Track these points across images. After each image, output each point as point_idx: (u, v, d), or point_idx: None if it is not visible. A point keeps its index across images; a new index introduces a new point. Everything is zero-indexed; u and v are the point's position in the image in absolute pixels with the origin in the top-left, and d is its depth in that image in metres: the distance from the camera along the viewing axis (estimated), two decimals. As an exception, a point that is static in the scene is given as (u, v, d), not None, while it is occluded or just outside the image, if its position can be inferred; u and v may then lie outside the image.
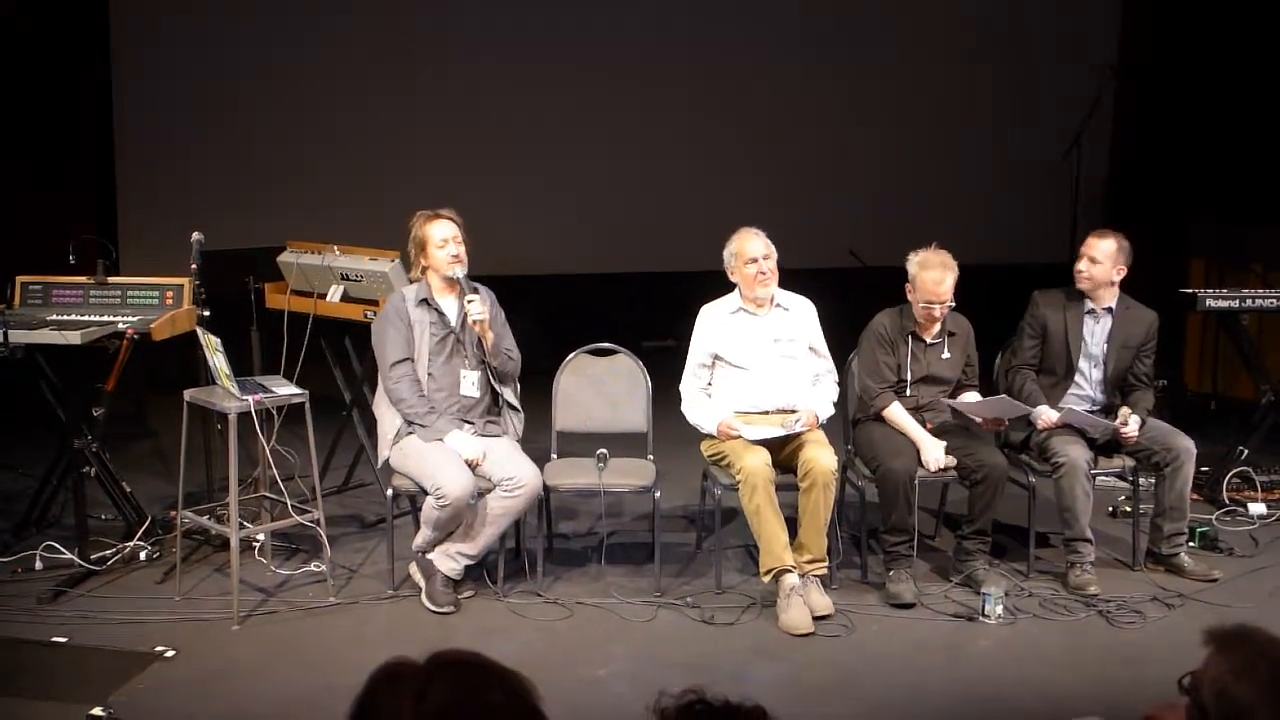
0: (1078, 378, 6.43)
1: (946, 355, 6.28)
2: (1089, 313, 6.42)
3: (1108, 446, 6.32)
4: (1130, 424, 6.16)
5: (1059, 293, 6.50)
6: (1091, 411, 6.36)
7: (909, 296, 6.23)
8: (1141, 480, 6.45)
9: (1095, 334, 6.43)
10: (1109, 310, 6.41)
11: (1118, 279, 6.38)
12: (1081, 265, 6.39)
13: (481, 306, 5.98)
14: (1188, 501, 6.31)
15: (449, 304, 6.10)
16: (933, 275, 6.10)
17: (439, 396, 6.03)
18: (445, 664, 2.06)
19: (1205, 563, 6.33)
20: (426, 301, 6.07)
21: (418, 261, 6.10)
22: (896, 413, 6.19)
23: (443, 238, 6.03)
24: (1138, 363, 6.44)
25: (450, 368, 6.06)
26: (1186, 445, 6.22)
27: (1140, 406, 6.32)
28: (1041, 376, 6.45)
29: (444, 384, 6.04)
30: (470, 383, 6.08)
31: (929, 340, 6.27)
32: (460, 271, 6.03)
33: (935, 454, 6.04)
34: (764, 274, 6.16)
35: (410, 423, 5.96)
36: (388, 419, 6.06)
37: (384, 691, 2.04)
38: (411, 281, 6.23)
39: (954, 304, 6.16)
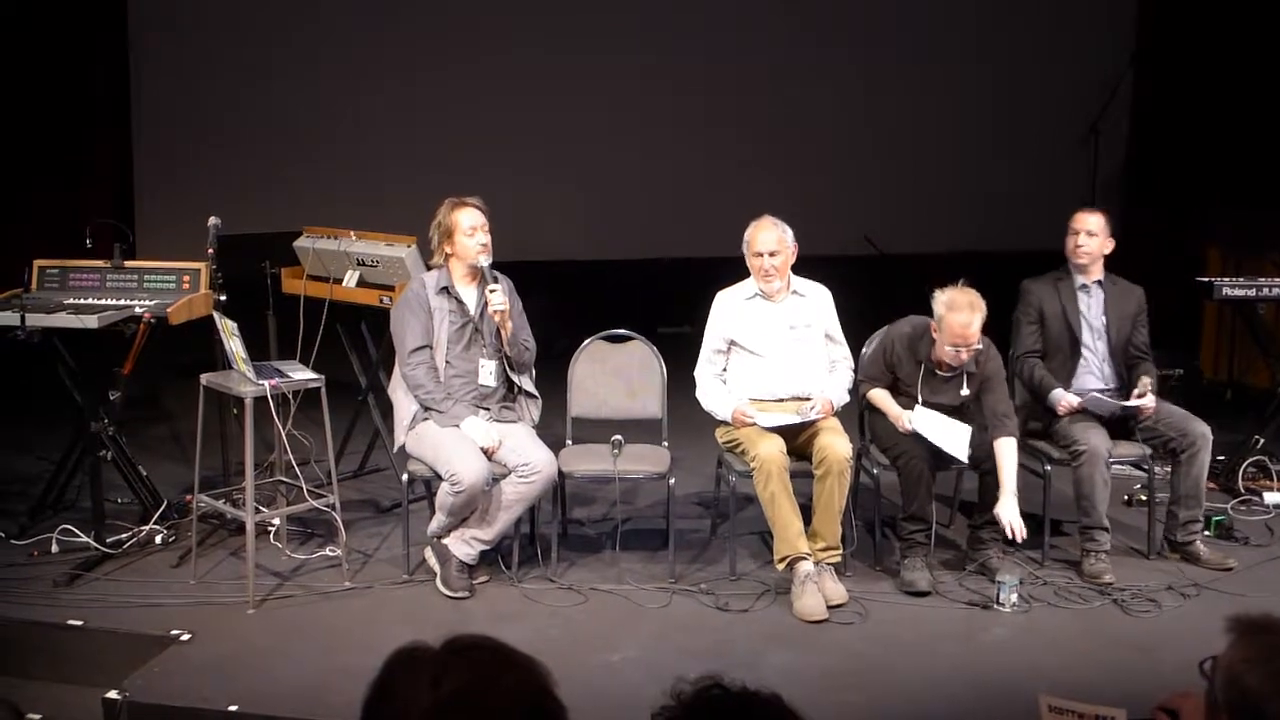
0: (1084, 352, 6.46)
1: (965, 392, 6.12)
2: (1081, 288, 6.52)
3: (1123, 432, 6.31)
4: (1148, 397, 6.16)
5: (1046, 277, 6.59)
6: (1104, 390, 6.36)
7: (934, 335, 6.07)
8: (1157, 469, 6.44)
9: (1091, 307, 6.50)
10: (1099, 284, 6.52)
11: (1107, 251, 6.50)
12: (1080, 240, 6.47)
13: (503, 297, 5.97)
14: (1204, 488, 6.30)
15: (469, 293, 6.09)
16: (960, 318, 5.92)
17: (456, 384, 6.03)
18: (461, 648, 2.06)
19: (1221, 551, 6.32)
20: (447, 290, 6.07)
21: (441, 248, 6.10)
22: (879, 395, 6.21)
23: (471, 225, 6.02)
24: (1135, 333, 6.50)
25: (468, 356, 6.05)
26: (1203, 431, 6.21)
27: (1147, 374, 6.38)
28: (1049, 360, 6.45)
29: (461, 372, 6.04)
30: (488, 372, 6.07)
31: (943, 374, 6.16)
32: (486, 261, 6.03)
33: (905, 415, 6.04)
34: (766, 271, 6.15)
35: (427, 409, 5.96)
36: (404, 404, 6.07)
37: (400, 676, 2.04)
38: (431, 267, 6.23)
39: (980, 347, 6.02)
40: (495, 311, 5.95)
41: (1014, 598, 5.76)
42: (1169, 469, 6.55)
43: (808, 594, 5.68)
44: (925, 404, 6.12)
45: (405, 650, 2.08)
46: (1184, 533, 6.27)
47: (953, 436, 5.98)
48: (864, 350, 6.50)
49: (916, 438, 5.97)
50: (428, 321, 6.02)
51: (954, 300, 5.95)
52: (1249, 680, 2.30)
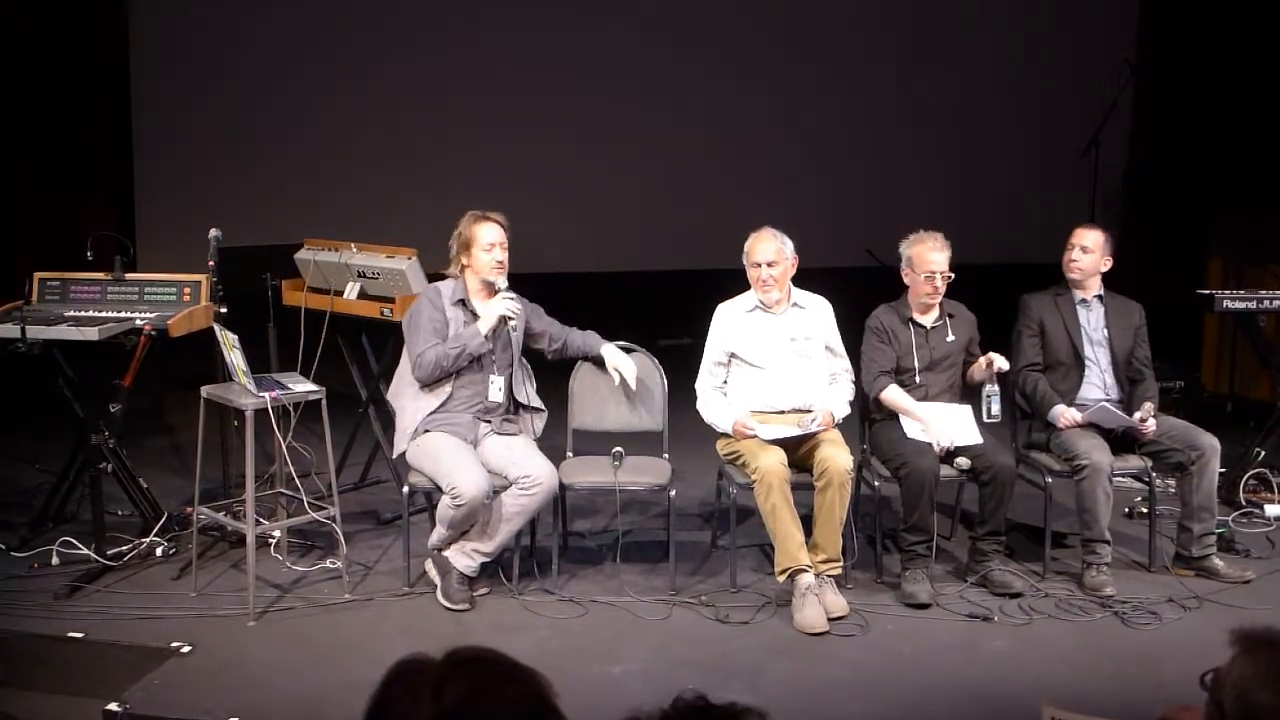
0: (1088, 365, 6.46)
1: (951, 338, 6.32)
2: (1080, 303, 6.54)
3: (1124, 445, 6.31)
4: (1150, 422, 6.16)
5: (1045, 292, 6.62)
6: (1107, 401, 6.36)
7: (905, 279, 6.33)
8: (1158, 481, 6.44)
9: (1091, 321, 6.52)
10: (1098, 298, 6.55)
11: (1104, 269, 6.52)
12: (1074, 255, 6.52)
13: (516, 305, 6.01)
14: (1215, 500, 6.29)
15: (484, 308, 6.08)
16: (927, 245, 6.24)
17: (463, 395, 6.03)
18: (462, 660, 2.06)
19: (1238, 564, 6.32)
20: (463, 302, 6.08)
21: (458, 259, 6.10)
22: (894, 394, 6.23)
23: (490, 242, 6.04)
24: (1137, 348, 6.52)
25: (479, 370, 6.06)
26: (1211, 442, 6.20)
27: (1150, 396, 6.39)
28: (1051, 373, 6.46)
29: (467, 383, 6.05)
30: (496, 388, 6.08)
31: (930, 325, 6.32)
32: (501, 281, 6.04)
33: (940, 429, 6.09)
34: (764, 281, 6.17)
35: (451, 369, 5.97)
36: (408, 411, 6.07)
37: (401, 687, 2.04)
38: (445, 276, 6.20)
39: (952, 275, 6.25)
40: (505, 317, 5.97)
41: (995, 408, 6.07)
42: (1170, 482, 6.56)
43: (808, 606, 5.68)
44: (929, 369, 6.28)
45: (406, 662, 2.08)
46: (1199, 546, 6.23)
47: (959, 424, 6.11)
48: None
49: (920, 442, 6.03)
50: (443, 328, 6.02)
51: (919, 236, 6.34)
52: (1260, 696, 2.29)
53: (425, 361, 5.98)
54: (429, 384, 6.03)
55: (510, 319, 6.03)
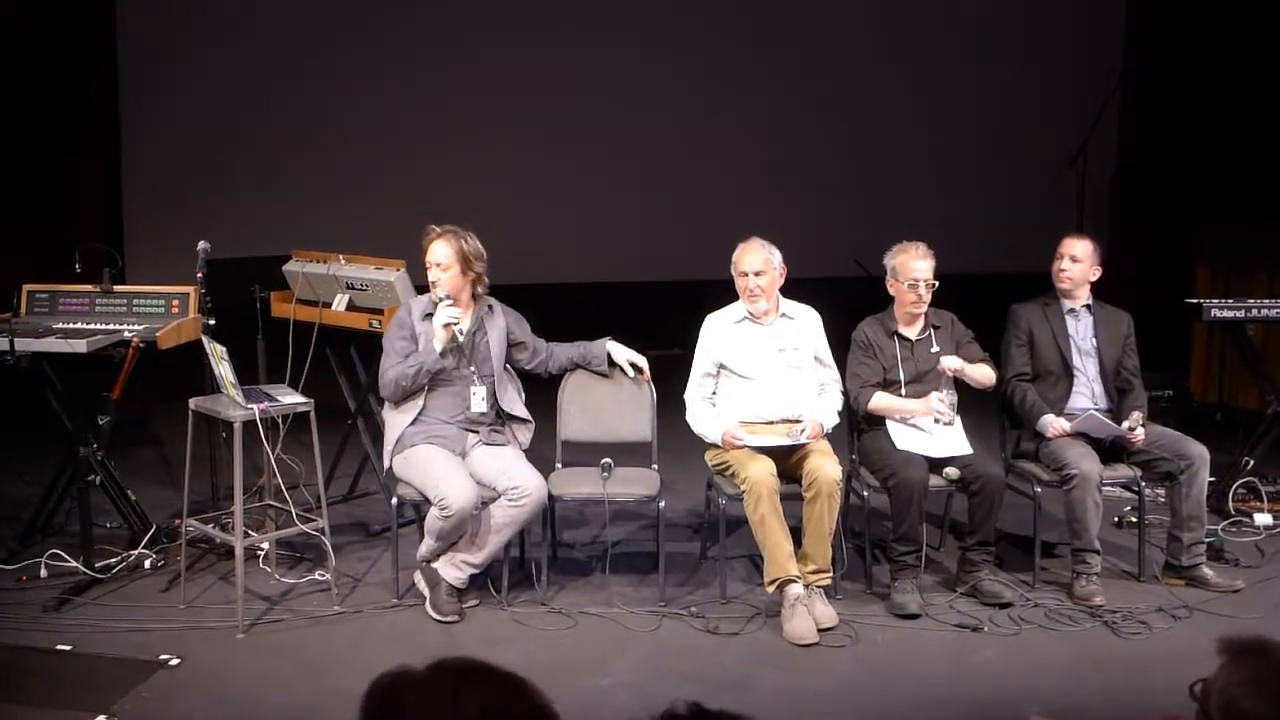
0: (1076, 375, 6.47)
1: (935, 349, 6.31)
2: (1069, 312, 6.56)
3: (1113, 454, 6.32)
4: (1139, 431, 6.17)
5: (1034, 302, 6.63)
6: (1096, 410, 6.36)
7: (891, 290, 6.35)
8: (1148, 490, 6.45)
9: (1080, 330, 6.54)
10: (1087, 308, 6.57)
11: (1094, 278, 6.54)
12: (1063, 265, 6.54)
13: (455, 310, 5.97)
14: (1205, 509, 6.29)
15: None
16: (910, 254, 6.28)
17: (440, 405, 6.02)
18: (450, 672, 2.06)
19: (1228, 573, 6.32)
20: (432, 316, 6.06)
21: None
22: (881, 400, 6.24)
23: (429, 260, 6.03)
24: (1125, 358, 6.53)
25: (459, 382, 6.05)
26: (1200, 451, 6.21)
27: (1139, 405, 6.39)
28: (1040, 382, 6.47)
29: (444, 393, 6.04)
30: (479, 398, 6.06)
31: (915, 337, 6.33)
32: (441, 291, 5.98)
33: (930, 405, 6.16)
34: (751, 291, 6.17)
35: (413, 387, 5.96)
36: (390, 425, 6.06)
37: (388, 700, 2.04)
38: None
39: (936, 284, 6.27)
40: (446, 326, 5.95)
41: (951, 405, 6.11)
42: (1159, 491, 6.56)
43: (798, 617, 5.67)
44: (915, 381, 6.27)
45: (393, 674, 2.07)
46: (1189, 555, 6.23)
47: (948, 436, 6.13)
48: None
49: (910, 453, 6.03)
50: (411, 346, 6.01)
51: (903, 246, 6.37)
52: (1246, 703, 2.30)
53: (386, 381, 6.01)
54: (396, 401, 6.04)
55: (453, 323, 5.98)
